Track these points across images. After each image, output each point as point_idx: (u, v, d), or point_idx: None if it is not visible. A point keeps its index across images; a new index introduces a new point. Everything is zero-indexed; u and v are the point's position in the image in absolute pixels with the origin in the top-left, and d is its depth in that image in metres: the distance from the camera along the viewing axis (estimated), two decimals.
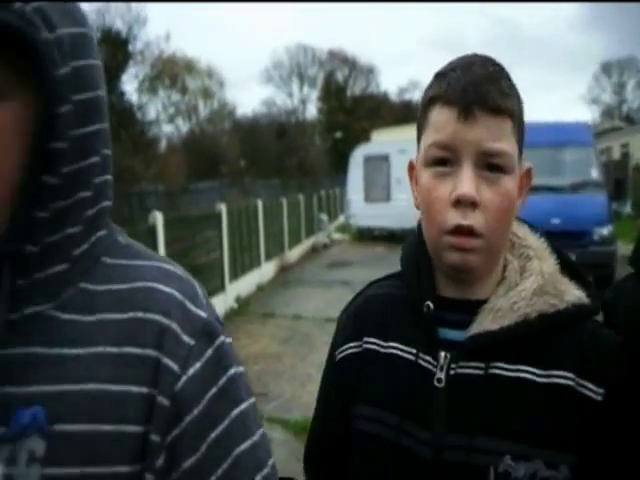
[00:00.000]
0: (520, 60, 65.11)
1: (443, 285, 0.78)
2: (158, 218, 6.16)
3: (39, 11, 0.52)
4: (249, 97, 64.40)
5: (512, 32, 74.30)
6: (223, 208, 8.37)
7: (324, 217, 16.10)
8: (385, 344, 0.81)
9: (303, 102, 41.37)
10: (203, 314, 0.59)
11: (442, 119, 0.71)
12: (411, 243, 0.85)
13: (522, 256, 0.78)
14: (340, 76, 42.50)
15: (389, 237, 14.96)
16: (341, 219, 20.45)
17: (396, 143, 14.99)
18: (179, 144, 29.70)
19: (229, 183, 21.14)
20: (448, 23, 76.28)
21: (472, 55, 0.75)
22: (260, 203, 10.48)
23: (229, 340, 0.61)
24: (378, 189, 15.43)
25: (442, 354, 0.74)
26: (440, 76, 0.74)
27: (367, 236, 15.76)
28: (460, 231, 0.70)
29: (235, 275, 8.51)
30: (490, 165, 0.70)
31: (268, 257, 10.53)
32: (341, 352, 0.86)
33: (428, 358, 0.76)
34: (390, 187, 15.15)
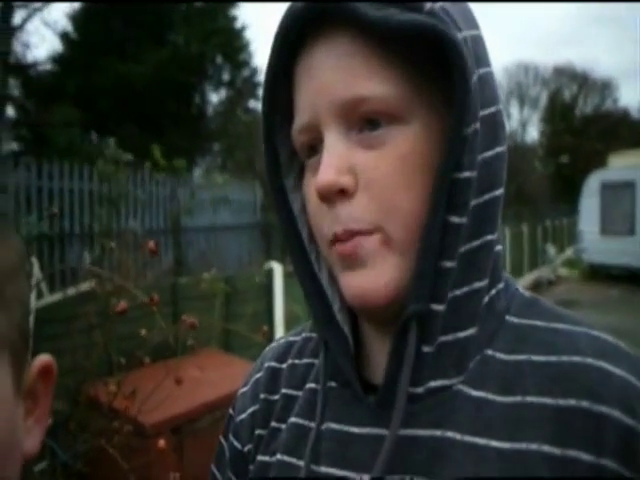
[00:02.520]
0: None
1: None
2: None
3: (445, 11, 0.45)
4: None
5: None
6: None
7: (551, 248, 14.51)
8: None
9: (523, 125, 38.78)
10: None
11: None
12: None
13: None
14: (567, 94, 39.04)
15: (629, 278, 12.85)
16: (568, 253, 18.33)
17: None
18: None
19: None
20: None
21: None
22: None
23: None
24: (619, 221, 13.36)
25: None
26: None
27: (601, 274, 13.74)
28: None
29: None
30: None
31: None
32: None
33: None
34: (635, 219, 13.01)
